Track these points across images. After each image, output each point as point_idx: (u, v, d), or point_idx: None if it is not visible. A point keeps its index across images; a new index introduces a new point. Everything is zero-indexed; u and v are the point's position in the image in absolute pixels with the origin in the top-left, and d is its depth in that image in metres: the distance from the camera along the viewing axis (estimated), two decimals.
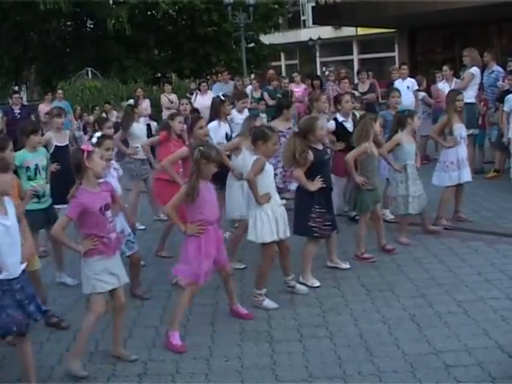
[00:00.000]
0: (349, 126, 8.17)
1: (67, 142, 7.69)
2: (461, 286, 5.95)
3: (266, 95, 14.11)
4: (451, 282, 6.05)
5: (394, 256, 6.94)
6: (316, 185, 6.04)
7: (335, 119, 8.28)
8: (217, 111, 7.86)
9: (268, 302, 5.74)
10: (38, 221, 6.05)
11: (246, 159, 6.42)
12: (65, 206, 6.36)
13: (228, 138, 7.78)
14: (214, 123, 7.78)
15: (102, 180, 4.80)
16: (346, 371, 4.41)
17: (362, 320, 5.28)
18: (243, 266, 6.80)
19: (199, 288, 5.13)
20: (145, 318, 5.60)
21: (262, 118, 8.34)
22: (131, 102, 9.17)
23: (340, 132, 8.16)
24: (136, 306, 5.85)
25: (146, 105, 14.11)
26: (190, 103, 11.66)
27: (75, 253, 4.72)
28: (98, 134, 5.92)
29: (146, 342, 5.08)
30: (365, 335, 4.97)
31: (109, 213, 4.66)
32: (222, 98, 7.93)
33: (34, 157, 6.41)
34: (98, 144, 5.61)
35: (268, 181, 5.69)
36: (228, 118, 8.24)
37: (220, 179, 6.58)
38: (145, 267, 6.85)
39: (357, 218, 7.87)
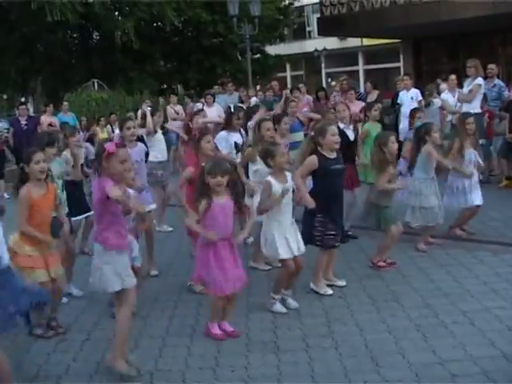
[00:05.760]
0: (349, 133, 8.13)
1: None
2: (466, 295, 5.96)
3: None
4: (456, 292, 6.05)
5: (400, 266, 6.93)
6: (310, 202, 5.88)
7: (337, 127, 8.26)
8: (227, 121, 8.19)
9: (278, 306, 5.82)
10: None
11: (261, 168, 6.41)
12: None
13: (238, 147, 7.85)
14: (223, 133, 7.99)
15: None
16: (351, 381, 4.41)
17: (368, 330, 5.28)
18: (269, 268, 6.99)
19: (223, 297, 5.22)
20: (151, 329, 5.60)
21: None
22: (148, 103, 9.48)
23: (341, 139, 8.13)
24: (142, 317, 5.86)
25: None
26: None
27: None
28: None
29: (152, 352, 5.08)
30: (370, 345, 4.98)
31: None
32: (232, 110, 8.26)
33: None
34: None
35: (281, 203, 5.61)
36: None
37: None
38: (150, 277, 6.88)
39: (349, 233, 8.04)
